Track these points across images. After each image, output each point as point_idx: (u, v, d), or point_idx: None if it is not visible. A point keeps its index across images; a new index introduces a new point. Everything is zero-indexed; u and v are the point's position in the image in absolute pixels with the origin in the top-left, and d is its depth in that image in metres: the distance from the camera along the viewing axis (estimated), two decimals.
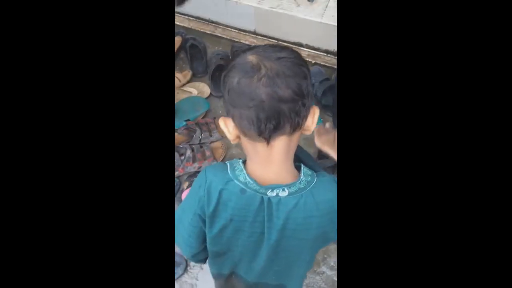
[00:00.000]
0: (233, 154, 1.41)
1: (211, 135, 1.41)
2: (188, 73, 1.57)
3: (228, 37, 1.64)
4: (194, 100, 1.48)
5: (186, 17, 1.69)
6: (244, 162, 0.61)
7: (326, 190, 0.59)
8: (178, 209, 0.68)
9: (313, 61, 1.57)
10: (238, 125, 0.55)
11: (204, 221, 0.63)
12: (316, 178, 0.60)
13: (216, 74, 1.54)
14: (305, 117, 0.55)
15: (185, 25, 1.68)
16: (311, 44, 1.57)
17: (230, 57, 1.60)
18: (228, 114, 0.57)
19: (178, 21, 1.68)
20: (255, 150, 0.57)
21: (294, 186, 0.58)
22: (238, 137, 0.58)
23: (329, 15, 1.44)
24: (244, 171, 0.59)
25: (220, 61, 1.52)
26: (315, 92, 1.50)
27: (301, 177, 0.59)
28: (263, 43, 1.60)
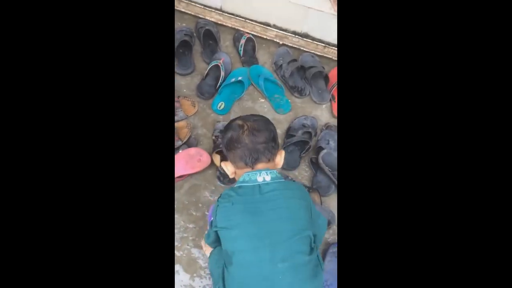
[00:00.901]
0: (199, 133, 1.35)
1: (175, 115, 1.33)
2: None
3: (192, 13, 1.56)
4: None
5: None
6: None
7: (300, 187, 0.89)
8: None
9: (281, 42, 1.54)
10: (233, 162, 0.88)
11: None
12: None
13: (180, 51, 1.45)
14: (275, 155, 0.89)
15: None
16: (278, 24, 1.54)
17: (195, 34, 1.52)
18: (227, 158, 0.91)
19: None
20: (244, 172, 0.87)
21: (273, 173, 0.86)
22: (234, 172, 0.90)
23: None
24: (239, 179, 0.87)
25: (184, 37, 1.44)
26: (282, 73, 1.48)
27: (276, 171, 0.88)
28: (230, 21, 1.54)
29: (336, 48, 1.53)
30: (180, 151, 1.26)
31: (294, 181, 0.92)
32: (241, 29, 1.55)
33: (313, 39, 1.53)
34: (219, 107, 1.40)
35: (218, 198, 0.86)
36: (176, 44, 1.42)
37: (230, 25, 1.56)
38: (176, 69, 1.44)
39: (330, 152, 1.26)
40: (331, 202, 1.25)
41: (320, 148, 1.29)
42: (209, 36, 1.51)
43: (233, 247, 0.78)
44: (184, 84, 1.44)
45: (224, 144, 0.89)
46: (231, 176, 0.89)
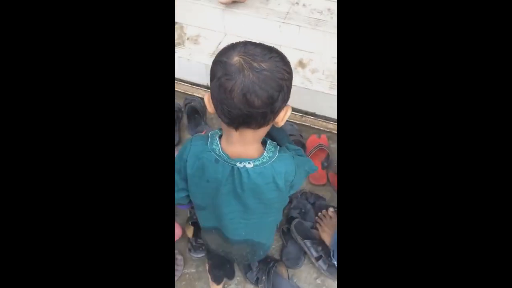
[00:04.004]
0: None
1: None
2: None
3: (181, 90, 1.72)
4: None
5: None
6: (221, 136, 0.75)
7: (284, 164, 0.74)
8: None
9: None
10: (215, 108, 0.66)
11: (184, 179, 0.80)
12: (277, 154, 0.74)
13: None
14: (274, 117, 0.67)
15: None
16: None
17: (182, 109, 1.67)
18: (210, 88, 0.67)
19: None
20: (228, 129, 0.69)
21: (258, 160, 0.72)
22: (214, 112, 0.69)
23: None
24: (219, 146, 0.73)
25: None
26: None
27: (264, 154, 0.73)
28: None
29: (313, 117, 1.61)
30: None
31: (282, 156, 0.75)
32: None
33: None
34: None
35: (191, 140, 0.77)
36: None
37: None
38: None
39: (301, 221, 1.28)
40: (302, 274, 1.24)
41: (292, 218, 1.31)
42: (194, 111, 1.64)
43: None
44: None
45: (211, 80, 0.64)
46: (211, 113, 0.70)
